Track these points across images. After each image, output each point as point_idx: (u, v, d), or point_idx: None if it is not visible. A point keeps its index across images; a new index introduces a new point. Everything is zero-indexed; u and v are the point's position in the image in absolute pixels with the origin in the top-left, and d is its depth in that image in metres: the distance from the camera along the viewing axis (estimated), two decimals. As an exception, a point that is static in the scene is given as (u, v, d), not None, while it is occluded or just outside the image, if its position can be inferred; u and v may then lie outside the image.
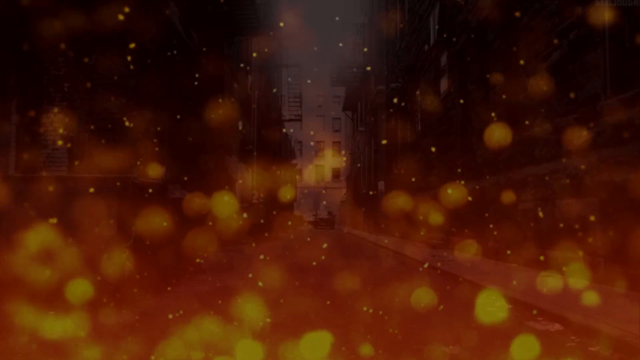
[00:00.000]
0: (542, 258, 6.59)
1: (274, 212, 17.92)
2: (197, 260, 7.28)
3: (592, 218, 5.49)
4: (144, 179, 5.19)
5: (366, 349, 2.95)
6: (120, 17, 7.85)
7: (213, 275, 6.41)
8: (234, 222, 12.30)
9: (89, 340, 3.11)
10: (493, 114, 8.49)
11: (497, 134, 8.28)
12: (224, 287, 5.42)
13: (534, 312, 4.05)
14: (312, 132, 57.92)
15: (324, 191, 57.30)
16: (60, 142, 7.82)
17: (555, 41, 6.34)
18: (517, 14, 7.54)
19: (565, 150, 6.09)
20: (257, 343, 3.06)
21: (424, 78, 13.78)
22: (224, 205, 11.16)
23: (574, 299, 4.30)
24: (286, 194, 32.03)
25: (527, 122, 7.18)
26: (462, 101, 10.33)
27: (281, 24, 30.44)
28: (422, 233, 13.47)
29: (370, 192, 24.16)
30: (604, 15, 5.37)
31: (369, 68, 25.39)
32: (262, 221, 15.54)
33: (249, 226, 14.11)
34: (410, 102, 15.98)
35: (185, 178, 10.56)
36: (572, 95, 5.96)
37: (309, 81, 52.09)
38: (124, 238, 4.69)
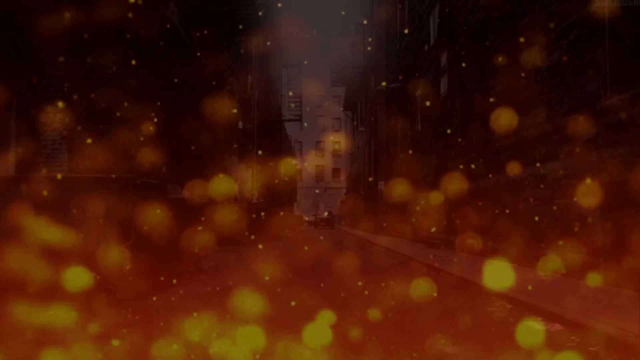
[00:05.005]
0: (542, 257, 6.59)
1: (274, 212, 17.94)
2: (197, 260, 7.28)
3: (591, 218, 5.49)
4: (144, 179, 5.19)
5: (363, 347, 2.95)
6: (120, 17, 7.85)
7: (213, 275, 6.41)
8: (233, 222, 12.31)
9: (88, 339, 3.11)
10: (493, 114, 8.49)
11: (497, 134, 8.28)
12: (224, 286, 5.41)
13: (534, 311, 4.05)
14: (312, 132, 57.90)
15: (323, 191, 57.28)
16: (60, 142, 7.82)
17: (555, 41, 6.34)
18: (517, 14, 7.54)
19: (565, 150, 6.09)
20: (258, 344, 3.06)
21: (424, 78, 13.77)
22: (224, 205, 11.16)
23: (574, 299, 4.30)
24: (286, 193, 32.03)
25: (527, 122, 7.18)
26: (462, 101, 10.32)
27: (281, 25, 30.45)
28: (422, 233, 13.47)
29: (370, 192, 24.16)
30: (604, 15, 5.37)
31: (369, 68, 25.38)
32: (262, 221, 15.55)
33: (249, 226, 14.12)
34: (410, 102, 15.98)
35: (185, 178, 10.56)
36: (572, 95, 5.96)
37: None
38: (124, 238, 4.69)
